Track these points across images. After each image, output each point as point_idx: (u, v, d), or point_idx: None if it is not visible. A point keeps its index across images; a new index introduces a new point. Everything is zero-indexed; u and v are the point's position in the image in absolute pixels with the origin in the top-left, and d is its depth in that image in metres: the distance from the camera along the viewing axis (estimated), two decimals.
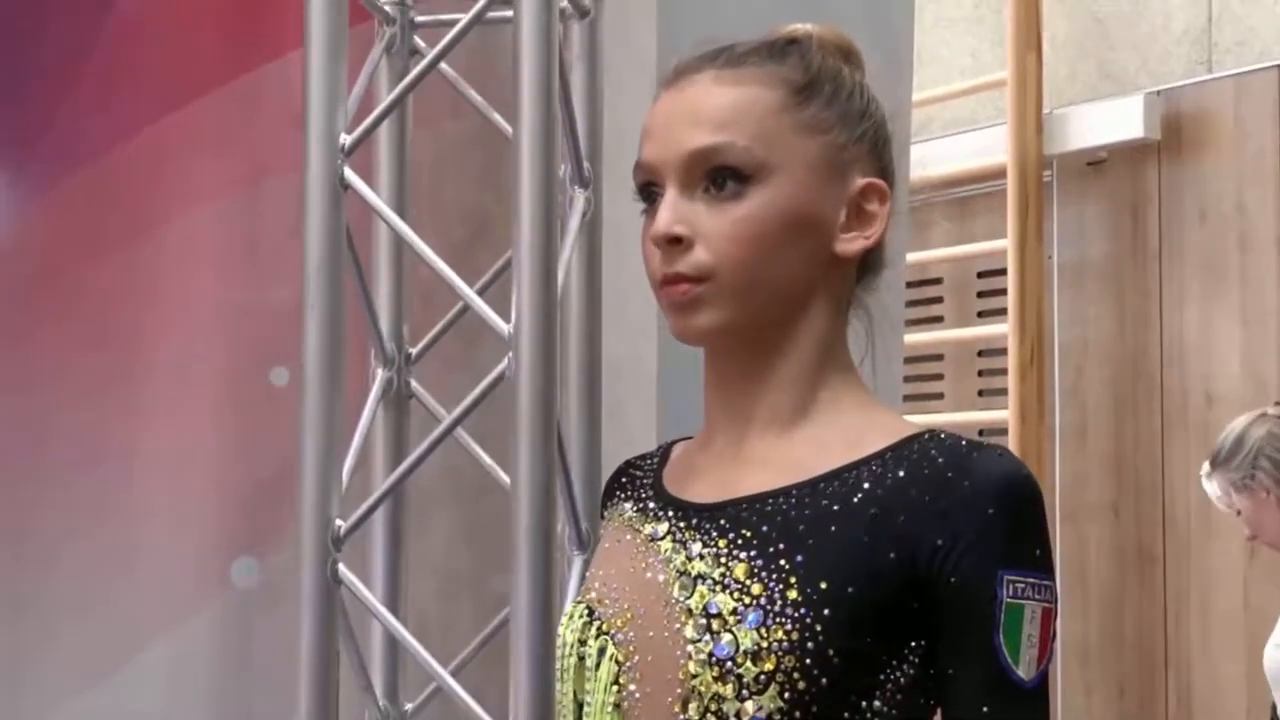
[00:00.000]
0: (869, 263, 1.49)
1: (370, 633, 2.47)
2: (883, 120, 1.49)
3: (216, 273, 2.57)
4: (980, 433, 4.84)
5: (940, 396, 5.18)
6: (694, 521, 1.43)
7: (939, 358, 5.21)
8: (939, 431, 1.39)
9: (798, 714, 1.31)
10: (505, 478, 2.16)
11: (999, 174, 4.83)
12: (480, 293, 2.26)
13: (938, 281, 5.21)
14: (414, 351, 2.54)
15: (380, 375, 2.50)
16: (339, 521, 2.24)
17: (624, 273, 2.52)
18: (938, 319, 5.22)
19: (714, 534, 1.40)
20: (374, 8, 2.52)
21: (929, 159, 5.09)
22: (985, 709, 1.30)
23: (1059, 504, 4.78)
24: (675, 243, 1.43)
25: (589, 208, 2.41)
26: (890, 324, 2.98)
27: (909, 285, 5.02)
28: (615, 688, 1.40)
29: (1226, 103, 4.44)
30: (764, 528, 1.37)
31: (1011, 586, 1.29)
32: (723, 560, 1.37)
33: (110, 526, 2.50)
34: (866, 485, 1.36)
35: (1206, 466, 3.80)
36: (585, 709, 1.44)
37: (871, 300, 1.53)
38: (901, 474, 1.35)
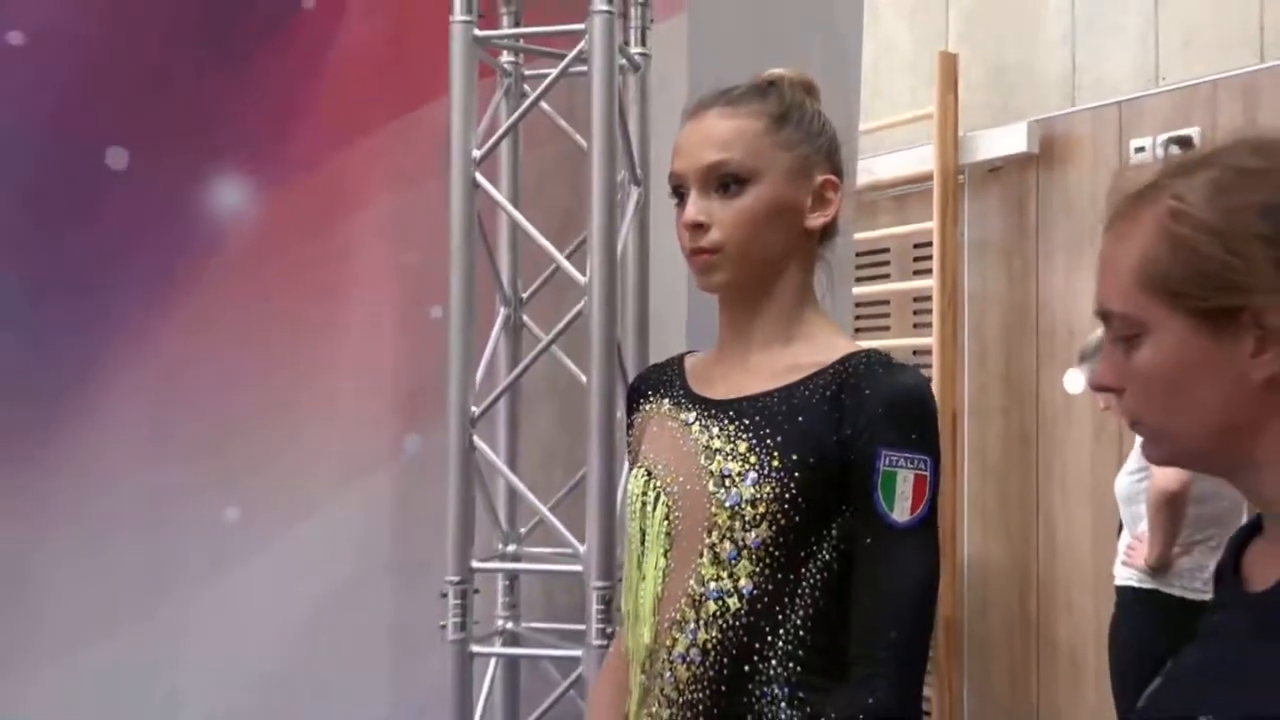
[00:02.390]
0: (827, 232, 1.46)
1: (496, 485, 2.50)
2: (834, 135, 1.47)
3: (392, 244, 2.59)
4: (914, 353, 4.81)
5: (888, 329, 5.10)
6: (713, 412, 1.41)
7: (887, 302, 5.13)
8: (872, 353, 1.38)
9: (780, 539, 1.33)
10: (584, 378, 2.23)
11: (928, 178, 4.77)
12: (568, 257, 2.34)
13: (885, 250, 5.14)
14: (524, 296, 2.57)
15: (502, 312, 2.54)
16: (474, 409, 2.31)
17: (662, 246, 2.56)
18: (886, 276, 5.14)
19: (725, 421, 1.39)
20: (496, 66, 2.55)
21: (879, 167, 5.05)
22: (868, 540, 1.31)
23: (967, 406, 4.74)
24: (698, 227, 1.41)
25: (641, 200, 2.44)
26: (843, 276, 2.98)
27: (867, 253, 5.04)
28: (665, 522, 1.40)
29: (1085, 128, 4.40)
30: (757, 418, 1.37)
31: (887, 459, 1.30)
32: (731, 439, 1.37)
33: (323, 413, 2.51)
34: (819, 389, 1.35)
35: (1075, 363, 3.74)
36: (644, 536, 1.43)
37: (830, 258, 1.50)
38: (840, 383, 1.35)
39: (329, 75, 2.50)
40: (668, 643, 1.38)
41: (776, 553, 1.33)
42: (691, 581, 1.36)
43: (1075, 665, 4.34)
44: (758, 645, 1.33)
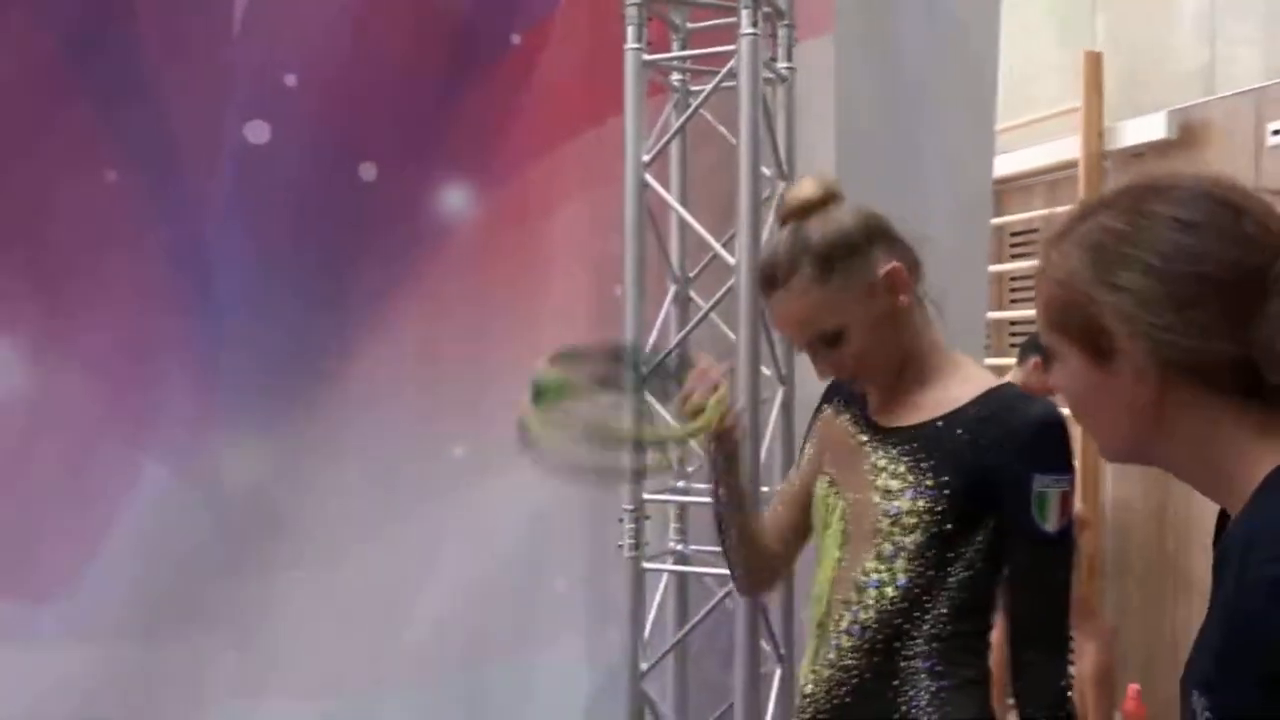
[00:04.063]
0: (916, 281, 1.45)
1: None
2: (868, 223, 1.42)
3: (583, 235, 2.64)
4: None
5: None
6: (880, 438, 1.44)
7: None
8: (1006, 388, 1.41)
9: (931, 544, 1.37)
10: (734, 337, 2.27)
11: (1074, 165, 4.55)
12: (724, 245, 2.36)
13: (1036, 230, 4.93)
14: (691, 275, 2.61)
15: (672, 289, 2.61)
16: (644, 370, 2.36)
17: None
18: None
19: (890, 446, 1.42)
20: (668, 84, 2.60)
21: (1032, 157, 4.83)
22: (1026, 549, 1.34)
23: None
24: (836, 373, 1.47)
25: (785, 191, 2.44)
26: (975, 317, 2.87)
27: (1021, 233, 4.83)
28: (841, 522, 1.45)
29: (1222, 115, 4.07)
30: (914, 444, 1.40)
31: (1040, 482, 1.32)
32: (894, 461, 1.40)
33: (529, 371, 2.54)
34: (966, 420, 1.37)
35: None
36: (826, 532, 1.47)
37: (926, 290, 1.46)
38: (984, 414, 1.36)
39: (532, 97, 2.58)
40: (836, 616, 1.43)
41: (928, 554, 1.37)
42: (858, 572, 1.41)
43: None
44: (907, 626, 1.38)
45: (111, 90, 2.21)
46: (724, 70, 2.27)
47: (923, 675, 1.37)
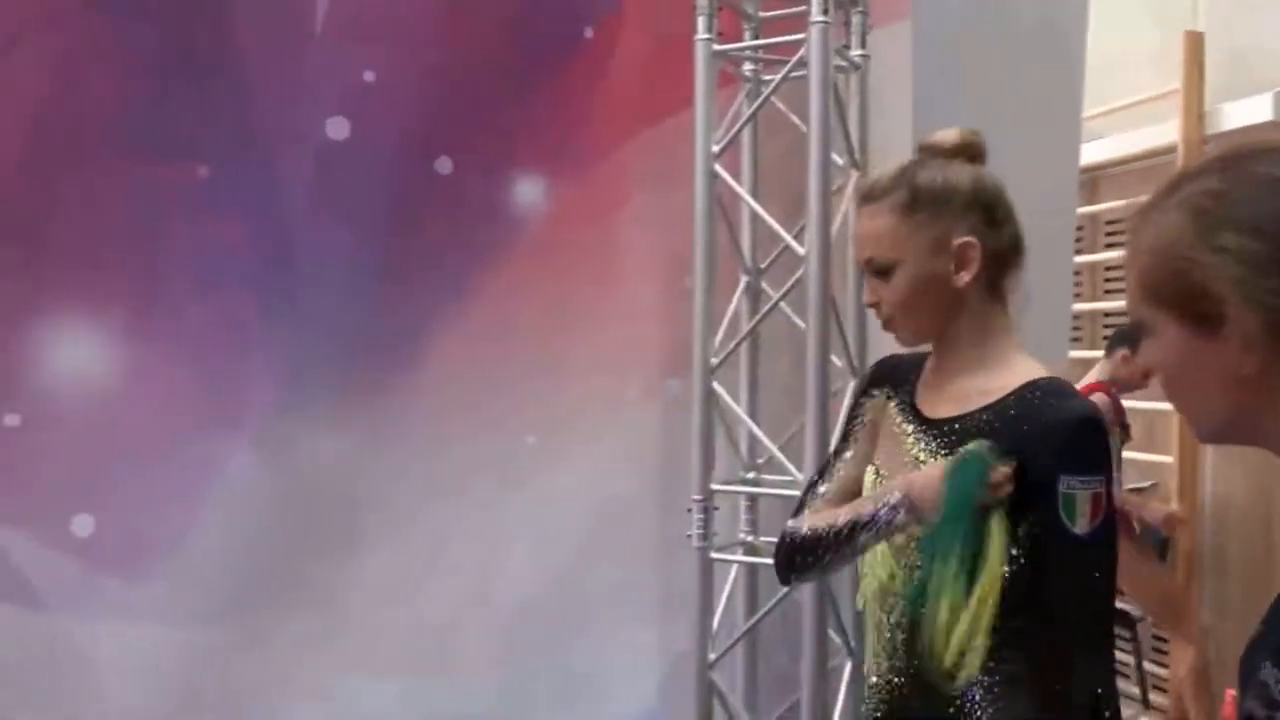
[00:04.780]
0: (1007, 266, 1.42)
1: (738, 426, 2.54)
2: (973, 190, 1.41)
3: (654, 226, 2.65)
4: None
5: None
6: (924, 429, 1.43)
7: None
8: (1043, 383, 1.35)
9: None
10: (803, 325, 2.26)
11: (1172, 150, 4.38)
12: (794, 236, 2.35)
13: None
14: (762, 266, 2.61)
15: (743, 280, 2.62)
16: (714, 359, 2.38)
17: None
18: None
19: (930, 439, 1.41)
20: (740, 74, 2.60)
21: (1127, 143, 4.68)
22: (1059, 550, 1.30)
23: None
24: (873, 305, 1.45)
25: (858, 180, 2.39)
26: (1060, 309, 2.79)
27: (1114, 221, 4.68)
28: None
29: None
30: (953, 436, 1.38)
31: (1067, 484, 1.28)
32: (934, 454, 1.40)
33: (602, 361, 2.59)
34: (1002, 413, 1.35)
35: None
36: None
37: (1024, 288, 1.43)
38: (1019, 409, 1.34)
39: (605, 90, 2.60)
40: (887, 609, 1.44)
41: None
42: (905, 564, 1.41)
43: None
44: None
45: (203, 91, 2.30)
46: (794, 59, 2.26)
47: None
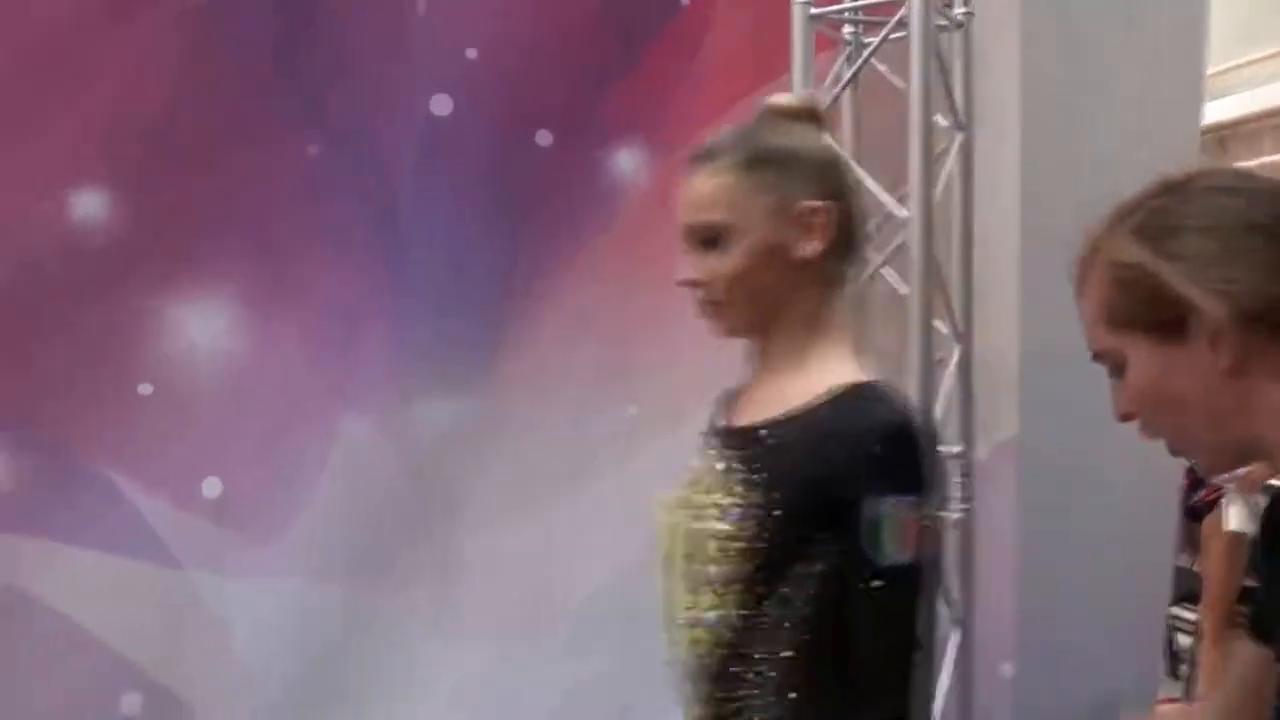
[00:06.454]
0: (841, 252, 1.21)
1: None
2: (825, 156, 1.23)
3: None
4: None
5: None
6: (722, 442, 1.23)
7: None
8: (855, 389, 1.15)
9: (758, 572, 1.16)
10: (905, 290, 2.23)
11: None
12: (897, 201, 2.31)
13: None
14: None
15: None
16: None
17: (987, 181, 2.46)
18: None
19: (729, 452, 1.21)
20: (839, 37, 2.56)
21: (1259, 99, 4.48)
22: (860, 580, 1.11)
23: None
24: (694, 285, 1.23)
25: (965, 142, 2.38)
26: None
27: None
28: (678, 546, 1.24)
29: None
30: (746, 450, 1.19)
31: (873, 505, 1.10)
32: (726, 470, 1.20)
33: (692, 334, 2.48)
34: (806, 426, 1.15)
35: None
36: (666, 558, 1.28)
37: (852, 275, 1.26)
38: (826, 420, 1.14)
39: (702, 58, 2.60)
40: (685, 659, 1.24)
41: (757, 587, 1.16)
42: (690, 606, 1.22)
43: None
44: (740, 670, 1.18)
45: (313, 74, 2.40)
46: (894, 19, 2.22)
47: (771, 700, 1.15)
